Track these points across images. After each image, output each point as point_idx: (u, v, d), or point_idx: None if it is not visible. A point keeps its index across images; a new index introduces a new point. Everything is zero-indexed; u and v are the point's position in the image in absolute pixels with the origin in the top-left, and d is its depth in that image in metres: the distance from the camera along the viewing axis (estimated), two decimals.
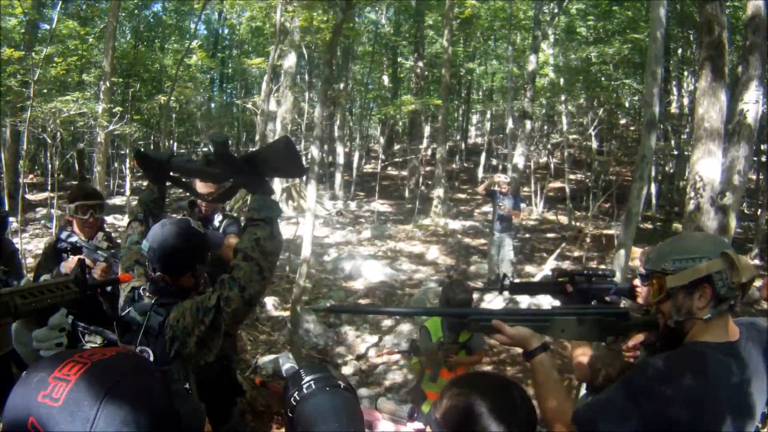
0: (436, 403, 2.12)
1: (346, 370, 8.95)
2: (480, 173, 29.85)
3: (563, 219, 21.26)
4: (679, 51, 23.76)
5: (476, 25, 26.95)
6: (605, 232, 16.87)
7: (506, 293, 11.22)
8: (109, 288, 3.94)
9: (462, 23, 25.88)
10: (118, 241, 4.80)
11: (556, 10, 21.69)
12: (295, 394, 2.10)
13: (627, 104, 25.90)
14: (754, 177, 22.27)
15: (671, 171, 23.81)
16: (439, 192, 20.85)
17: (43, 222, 16.96)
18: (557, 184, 26.61)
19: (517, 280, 12.48)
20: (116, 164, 27.82)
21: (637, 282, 3.63)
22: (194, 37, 26.56)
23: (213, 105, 37.12)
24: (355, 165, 29.54)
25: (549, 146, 28.81)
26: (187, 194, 4.83)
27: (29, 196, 21.21)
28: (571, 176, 24.93)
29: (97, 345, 3.16)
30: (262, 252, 2.79)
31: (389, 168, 32.38)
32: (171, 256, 3.04)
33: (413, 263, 15.42)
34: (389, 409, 4.42)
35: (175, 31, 34.55)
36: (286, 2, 18.09)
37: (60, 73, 17.32)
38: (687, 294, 2.26)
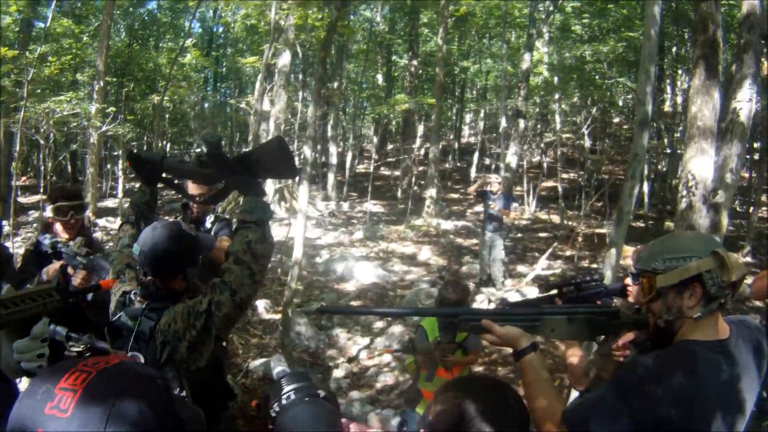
0: (429, 406, 2.12)
1: (338, 372, 8.95)
2: (473, 173, 29.81)
3: (555, 218, 21.26)
4: (674, 49, 23.76)
5: (471, 23, 26.95)
6: (597, 231, 16.87)
7: (498, 293, 11.22)
8: (90, 295, 3.90)
9: (457, 21, 25.85)
10: (108, 244, 4.77)
11: (551, 8, 21.74)
12: (275, 405, 2.10)
13: (620, 103, 25.90)
14: (746, 175, 22.36)
15: (664, 169, 23.85)
16: (431, 192, 20.83)
17: (35, 225, 16.85)
18: (550, 183, 26.63)
19: (507, 289, 12.58)
20: (109, 166, 27.74)
21: (628, 281, 3.63)
22: (189, 36, 26.51)
23: (207, 105, 37.08)
24: (348, 165, 29.48)
25: (542, 145, 28.87)
26: (179, 196, 4.81)
27: (22, 199, 21.09)
28: (564, 175, 24.94)
29: (80, 349, 3.14)
30: (253, 255, 2.79)
31: (382, 168, 32.38)
32: (162, 259, 3.03)
33: (405, 264, 15.41)
34: (379, 423, 4.43)
35: (170, 29, 34.56)
36: (281, 0, 18.08)
37: (54, 72, 17.30)
38: (677, 293, 2.26)
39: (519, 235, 18.83)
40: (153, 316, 2.91)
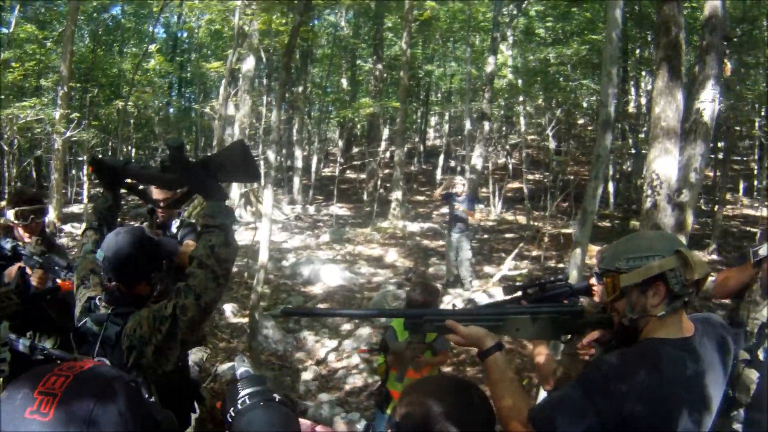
0: (395, 407, 2.12)
1: (306, 375, 8.92)
2: (438, 175, 29.92)
3: (522, 219, 21.39)
4: (637, 51, 24.01)
5: (435, 27, 26.99)
6: (563, 231, 17.01)
7: (466, 294, 11.26)
8: (48, 297, 3.87)
9: (421, 25, 25.87)
10: (74, 250, 4.74)
11: (514, 12, 21.83)
12: (231, 410, 2.09)
13: (585, 104, 26.18)
14: (711, 174, 22.64)
15: (629, 169, 24.07)
16: (397, 194, 20.82)
17: None
18: (515, 185, 26.76)
19: (475, 289, 12.63)
20: (74, 171, 27.45)
21: (593, 281, 3.65)
22: (153, 41, 26.35)
23: (171, 110, 36.89)
24: (313, 169, 29.45)
25: (507, 147, 28.99)
26: (144, 202, 4.79)
27: None
28: (529, 176, 25.12)
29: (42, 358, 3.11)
30: (216, 259, 2.78)
31: (348, 171, 32.34)
32: (125, 264, 3.01)
33: (372, 266, 15.41)
34: (345, 427, 4.43)
35: (134, 34, 34.20)
36: (245, 5, 18.02)
37: (17, 78, 17.13)
38: (641, 292, 2.27)
39: (485, 236, 18.89)
40: (118, 321, 2.89)
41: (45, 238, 4.86)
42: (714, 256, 15.64)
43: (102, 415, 1.40)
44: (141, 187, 3.84)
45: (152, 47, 23.35)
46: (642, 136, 21.67)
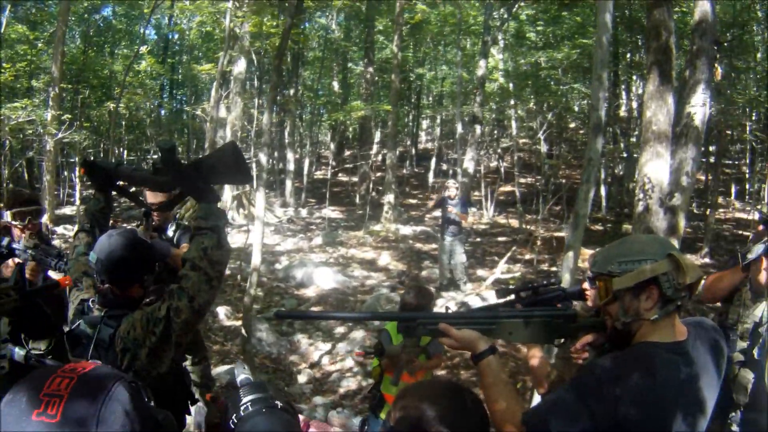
0: (389, 412, 2.13)
1: (301, 378, 8.93)
2: (431, 178, 29.93)
3: (514, 222, 21.41)
4: (628, 55, 24.07)
5: (426, 31, 26.97)
6: (556, 234, 17.03)
7: (460, 297, 11.26)
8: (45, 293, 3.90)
9: (412, 28, 25.88)
10: (66, 252, 4.76)
11: (505, 16, 21.81)
12: (234, 417, 2.09)
13: (576, 108, 26.20)
14: (702, 178, 22.71)
15: (620, 173, 24.11)
16: (389, 198, 20.79)
17: None
18: (507, 188, 26.78)
19: (468, 292, 12.63)
20: (66, 173, 27.39)
21: (586, 285, 3.66)
22: (144, 43, 26.29)
23: (163, 112, 36.87)
24: (305, 171, 29.41)
25: (499, 150, 29.00)
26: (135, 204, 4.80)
27: None
28: (522, 180, 25.15)
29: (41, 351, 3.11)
30: (209, 261, 2.79)
31: (340, 174, 32.32)
32: (118, 267, 3.00)
33: (365, 269, 15.40)
34: (340, 422, 4.41)
35: (125, 35, 34.18)
36: (236, 7, 18.01)
37: (8, 79, 17.07)
38: (634, 296, 2.28)
39: (478, 239, 18.92)
40: (112, 324, 2.89)
41: (41, 239, 4.98)
42: (706, 260, 15.69)
43: (109, 414, 1.43)
44: (132, 189, 3.84)
45: (143, 49, 23.32)
46: (633, 139, 21.73)
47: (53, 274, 4.75)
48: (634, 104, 25.65)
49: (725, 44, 17.01)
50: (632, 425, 2.07)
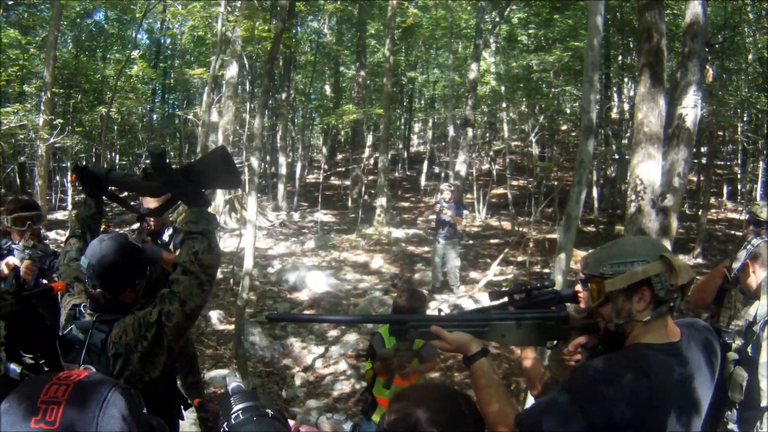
0: (383, 416, 2.12)
1: (294, 382, 8.90)
2: (423, 181, 30.00)
3: (506, 225, 21.44)
4: (619, 58, 24.13)
5: (418, 34, 27.01)
6: (548, 236, 17.03)
7: (452, 299, 11.26)
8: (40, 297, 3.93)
9: (404, 32, 25.98)
10: (57, 250, 4.80)
11: (497, 19, 21.87)
12: (224, 425, 2.09)
13: (568, 110, 26.24)
14: (694, 179, 22.78)
15: (612, 175, 24.17)
16: (382, 201, 20.81)
17: None
18: (500, 191, 26.83)
19: (461, 295, 12.64)
20: (58, 178, 27.33)
21: (579, 287, 3.66)
22: (136, 47, 26.26)
23: (155, 116, 36.86)
24: (297, 175, 29.37)
25: (491, 153, 29.10)
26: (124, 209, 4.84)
27: None
28: (514, 182, 25.19)
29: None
30: (200, 265, 2.79)
31: (332, 178, 32.34)
32: (110, 272, 3.00)
33: (357, 273, 15.39)
34: (331, 428, 4.40)
35: (117, 40, 34.16)
36: (228, 12, 18.01)
37: (0, 83, 17.02)
38: (626, 297, 2.28)
39: (471, 241, 18.92)
40: (104, 329, 2.89)
41: (39, 241, 5.04)
42: (699, 260, 15.73)
43: (107, 420, 1.45)
44: (124, 194, 3.83)
45: (135, 53, 23.24)
46: (625, 141, 21.81)
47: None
48: (626, 106, 25.72)
49: (716, 46, 17.11)
50: (627, 426, 2.07)
